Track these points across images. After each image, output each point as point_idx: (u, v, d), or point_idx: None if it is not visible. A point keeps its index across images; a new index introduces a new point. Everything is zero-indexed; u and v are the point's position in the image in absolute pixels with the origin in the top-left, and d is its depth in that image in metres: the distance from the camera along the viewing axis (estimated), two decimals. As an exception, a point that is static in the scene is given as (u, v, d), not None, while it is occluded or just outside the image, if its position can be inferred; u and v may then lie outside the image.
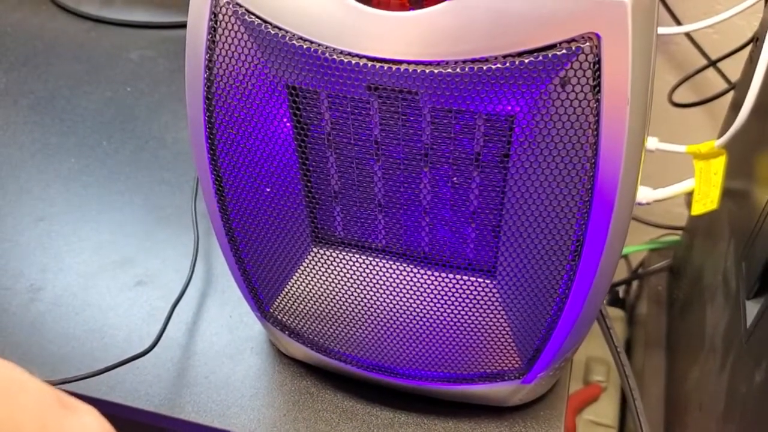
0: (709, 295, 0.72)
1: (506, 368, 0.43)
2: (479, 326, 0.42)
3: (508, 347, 0.42)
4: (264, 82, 0.36)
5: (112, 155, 0.67)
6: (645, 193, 0.71)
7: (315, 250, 0.43)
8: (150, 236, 0.60)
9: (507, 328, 0.42)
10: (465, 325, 0.42)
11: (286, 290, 0.44)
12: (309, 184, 0.40)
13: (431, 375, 0.44)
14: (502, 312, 0.41)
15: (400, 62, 0.32)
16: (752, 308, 0.57)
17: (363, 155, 0.38)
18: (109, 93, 0.73)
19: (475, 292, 0.41)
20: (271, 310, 0.46)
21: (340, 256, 0.42)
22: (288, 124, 0.38)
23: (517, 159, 0.35)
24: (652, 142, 0.73)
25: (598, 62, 0.31)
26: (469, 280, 0.41)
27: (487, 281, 0.41)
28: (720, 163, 0.69)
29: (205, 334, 0.52)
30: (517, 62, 0.31)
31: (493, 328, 0.42)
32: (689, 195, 0.71)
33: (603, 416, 0.92)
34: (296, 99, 0.37)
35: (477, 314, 0.42)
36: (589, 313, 0.40)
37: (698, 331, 0.75)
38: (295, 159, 0.39)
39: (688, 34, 0.88)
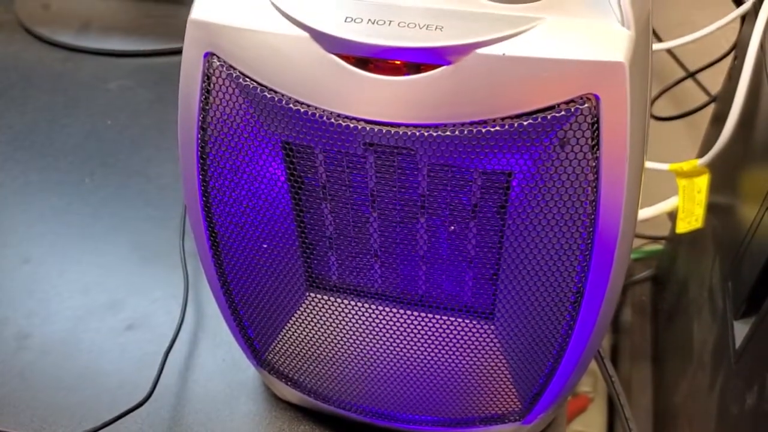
0: (696, 309, 0.73)
1: (506, 411, 0.43)
2: (478, 369, 0.42)
3: (508, 390, 0.42)
4: (260, 143, 0.35)
5: (96, 192, 0.66)
6: (630, 214, 0.72)
7: (310, 295, 0.42)
8: (138, 276, 0.59)
9: (506, 372, 0.42)
10: (464, 368, 0.42)
11: (282, 337, 0.44)
12: (304, 234, 0.40)
13: (430, 420, 0.44)
14: (501, 355, 0.41)
15: (398, 125, 0.32)
16: (740, 329, 0.57)
17: (358, 206, 0.38)
18: (88, 126, 0.72)
19: (473, 336, 0.41)
20: (267, 358, 0.45)
21: (336, 301, 0.42)
22: (283, 179, 0.37)
23: (515, 213, 0.35)
24: (635, 161, 0.73)
25: (597, 122, 0.31)
26: (466, 323, 0.41)
27: (485, 325, 0.41)
28: (703, 181, 0.69)
29: (199, 380, 0.52)
30: (515, 124, 0.31)
31: (492, 371, 0.42)
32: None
33: (591, 426, 0.93)
34: (291, 155, 0.36)
35: (475, 357, 0.42)
36: (590, 353, 0.40)
37: (686, 344, 0.75)
38: (290, 212, 0.39)
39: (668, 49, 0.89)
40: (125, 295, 0.58)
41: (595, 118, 0.31)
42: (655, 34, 0.87)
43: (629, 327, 0.97)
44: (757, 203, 0.56)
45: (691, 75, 0.88)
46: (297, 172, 0.37)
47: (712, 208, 0.70)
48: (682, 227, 0.71)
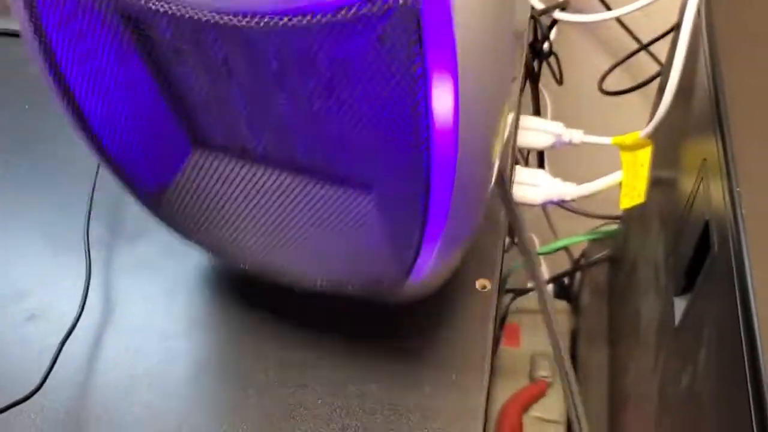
0: (644, 288, 0.70)
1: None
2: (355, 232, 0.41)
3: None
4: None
5: (5, 179, 0.63)
6: (569, 190, 0.69)
7: (195, 153, 0.43)
8: (45, 265, 0.57)
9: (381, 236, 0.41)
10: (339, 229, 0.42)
11: (170, 191, 0.44)
12: (171, 98, 0.40)
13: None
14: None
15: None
16: (680, 306, 0.54)
17: (217, 75, 0.37)
18: (5, 111, 0.69)
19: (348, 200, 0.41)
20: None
21: (218, 160, 0.42)
22: (130, 38, 0.36)
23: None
24: (577, 135, 0.71)
25: (418, 15, 0.28)
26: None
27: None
28: (646, 155, 0.67)
29: (99, 369, 0.49)
30: (336, 17, 0.29)
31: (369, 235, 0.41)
32: (626, 185, 0.69)
33: (550, 412, 0.88)
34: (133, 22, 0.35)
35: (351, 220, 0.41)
36: (459, 215, 0.38)
37: (634, 325, 0.72)
38: (148, 77, 0.38)
39: (618, 19, 0.86)
40: (30, 285, 0.55)
41: (417, 13, 0.28)
42: (604, 3, 0.85)
43: (587, 309, 0.94)
44: (693, 175, 0.53)
45: (645, 47, 0.85)
46: (141, 34, 0.36)
47: (657, 183, 0.67)
48: (625, 203, 0.68)
